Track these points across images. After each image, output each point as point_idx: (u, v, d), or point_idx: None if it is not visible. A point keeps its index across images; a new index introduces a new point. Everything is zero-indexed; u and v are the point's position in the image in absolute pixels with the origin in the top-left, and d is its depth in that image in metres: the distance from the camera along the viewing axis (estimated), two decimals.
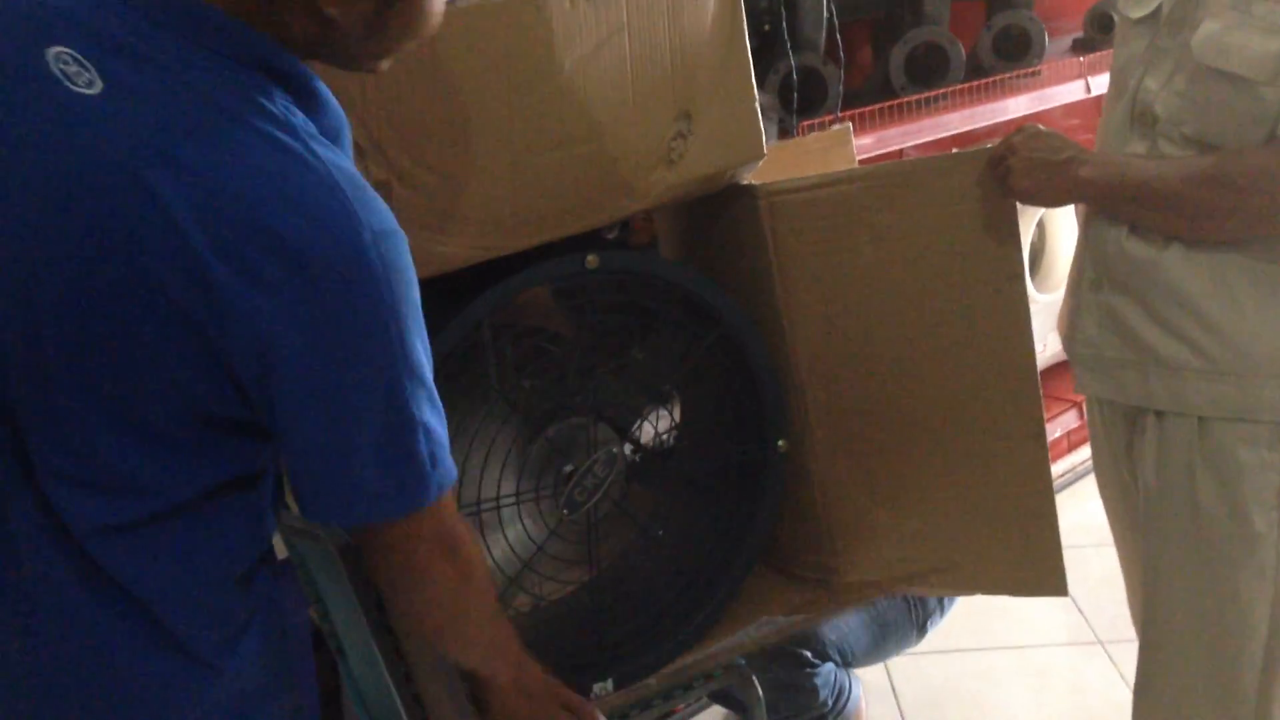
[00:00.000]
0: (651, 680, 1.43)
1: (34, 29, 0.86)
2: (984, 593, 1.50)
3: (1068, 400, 2.98)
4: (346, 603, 1.24)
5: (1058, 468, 2.99)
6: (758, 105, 1.41)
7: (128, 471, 0.90)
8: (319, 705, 1.11)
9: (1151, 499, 1.44)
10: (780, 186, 1.42)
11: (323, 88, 0.91)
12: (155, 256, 0.82)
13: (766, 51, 2.24)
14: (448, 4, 0.98)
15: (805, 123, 2.20)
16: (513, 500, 1.37)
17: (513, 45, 1.21)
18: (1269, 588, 1.38)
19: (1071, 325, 1.50)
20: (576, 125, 1.26)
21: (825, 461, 1.51)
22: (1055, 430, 2.97)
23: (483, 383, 1.33)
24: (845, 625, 1.89)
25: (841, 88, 2.28)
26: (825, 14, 2.25)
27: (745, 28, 1.38)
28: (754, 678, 1.49)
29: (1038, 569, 1.39)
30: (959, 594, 1.88)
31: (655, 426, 1.49)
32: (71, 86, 0.83)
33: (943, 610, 2.03)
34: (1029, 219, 2.71)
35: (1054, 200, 1.42)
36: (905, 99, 2.43)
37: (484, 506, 1.34)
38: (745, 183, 1.45)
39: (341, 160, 0.87)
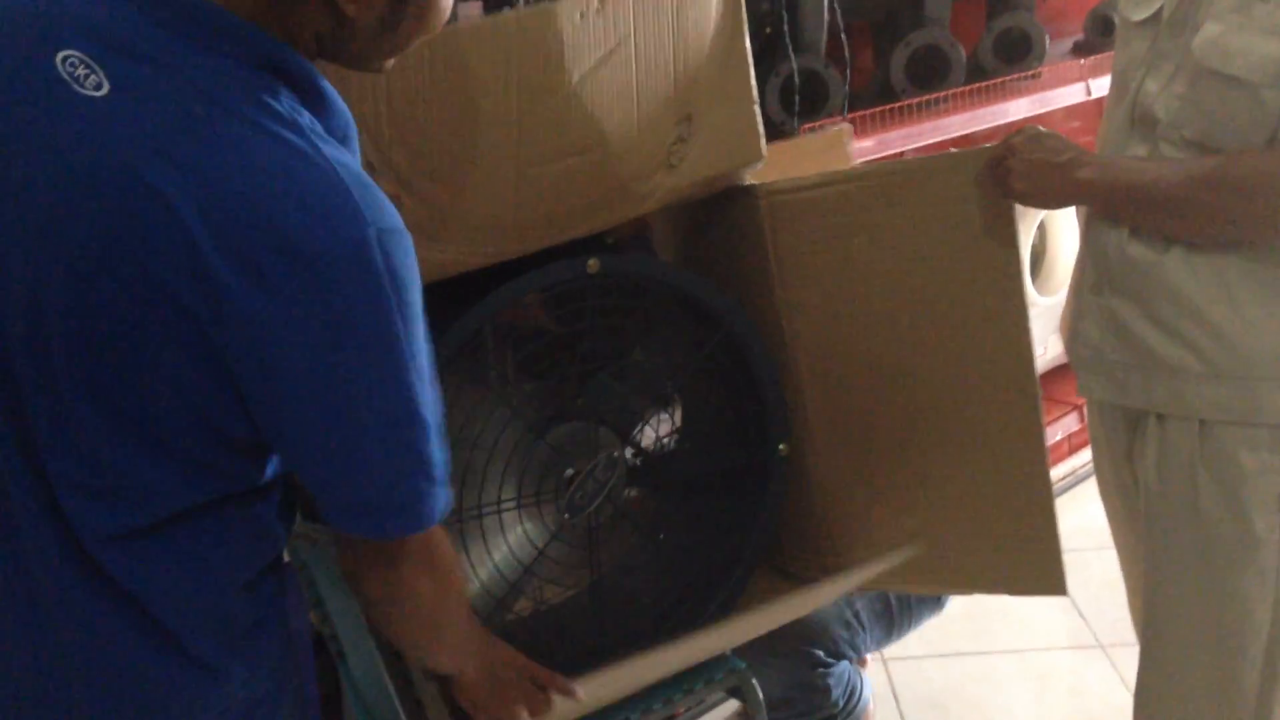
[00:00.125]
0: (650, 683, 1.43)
1: (43, 33, 0.86)
2: (983, 592, 1.50)
3: (1068, 403, 2.97)
4: (348, 606, 1.24)
5: (1058, 471, 2.99)
6: (758, 108, 1.41)
7: (133, 478, 0.90)
8: (320, 709, 1.11)
9: (1153, 502, 1.44)
10: (779, 186, 1.42)
11: (329, 88, 0.91)
12: (160, 256, 0.82)
13: (768, 54, 2.24)
14: (454, 21, 0.98)
15: (806, 126, 2.20)
16: (514, 504, 1.37)
17: (524, 59, 1.20)
18: (1270, 590, 1.38)
19: (1073, 328, 1.50)
20: (582, 135, 1.26)
21: (824, 460, 1.51)
22: (1056, 433, 2.96)
23: (483, 386, 1.32)
24: (856, 622, 1.88)
25: (848, 87, 2.27)
26: (827, 17, 2.24)
27: (746, 30, 1.38)
28: (754, 680, 1.49)
29: (1037, 568, 1.39)
30: (958, 593, 1.88)
31: (656, 430, 1.48)
32: (79, 89, 0.83)
33: None
34: (1030, 222, 2.71)
35: (1054, 202, 1.42)
36: (906, 101, 2.43)
37: (485, 510, 1.34)
38: (744, 183, 1.45)
39: (347, 159, 0.87)
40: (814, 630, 1.82)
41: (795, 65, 2.18)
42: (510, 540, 1.39)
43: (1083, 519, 2.69)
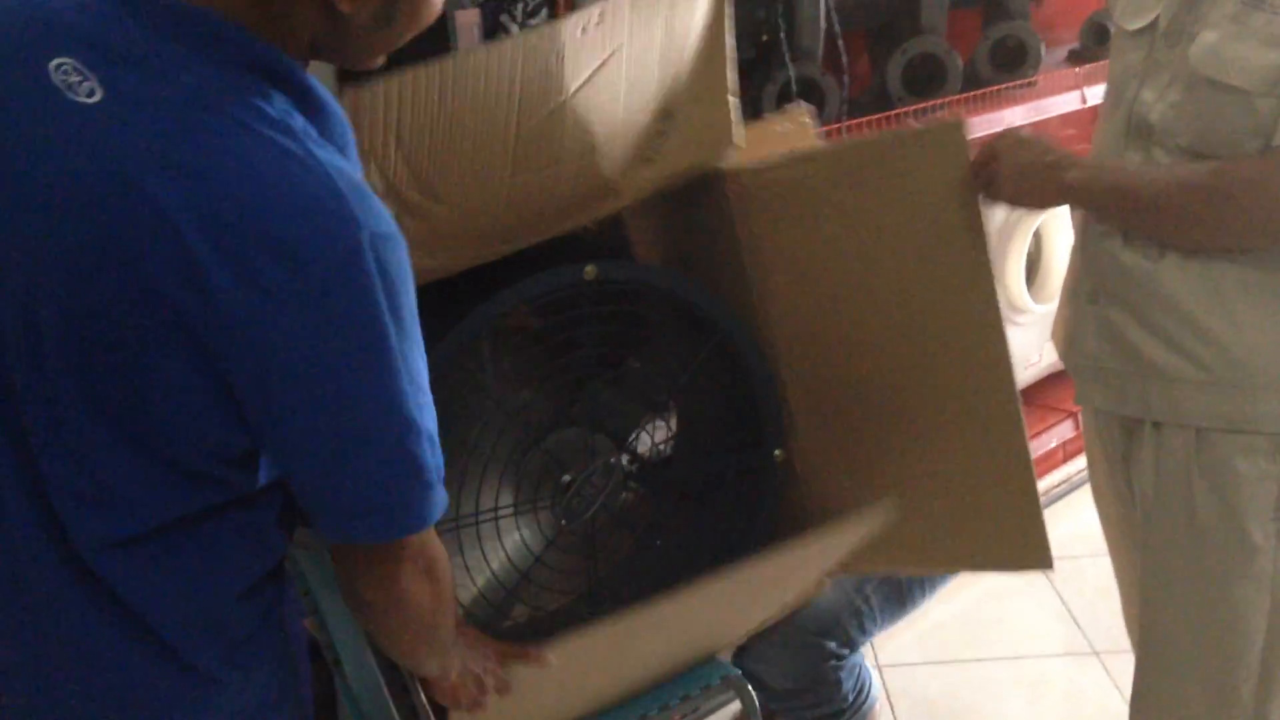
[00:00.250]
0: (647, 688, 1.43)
1: (36, 41, 0.86)
2: (970, 569, 1.49)
3: (1063, 410, 2.98)
4: (344, 613, 1.23)
5: (1054, 478, 2.99)
6: (735, 99, 1.41)
7: (128, 485, 0.89)
8: (316, 717, 1.10)
9: (1149, 510, 1.44)
10: (746, 168, 1.42)
11: (324, 92, 0.91)
12: (155, 262, 0.82)
13: (764, 62, 2.24)
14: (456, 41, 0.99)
15: None
16: (510, 511, 1.37)
17: (528, 79, 1.21)
18: (1266, 598, 1.38)
19: (1069, 337, 1.50)
20: (572, 143, 1.26)
21: (804, 444, 1.51)
22: (1051, 440, 2.97)
23: (479, 393, 1.33)
24: (866, 606, 1.87)
25: (846, 95, 2.28)
26: (824, 25, 2.25)
27: (729, 27, 1.38)
28: (748, 685, 1.49)
29: (1022, 543, 1.38)
30: (946, 572, 1.87)
31: (652, 436, 1.49)
32: (72, 97, 0.83)
33: None
34: (1026, 228, 2.72)
35: (1040, 203, 1.43)
36: (902, 109, 2.43)
37: (482, 517, 1.34)
38: (714, 170, 1.45)
39: (341, 163, 0.87)
40: (824, 622, 1.82)
41: (792, 73, 2.19)
42: (507, 547, 1.39)
43: (1077, 526, 2.69)
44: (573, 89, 1.23)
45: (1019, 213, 2.60)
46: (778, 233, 1.42)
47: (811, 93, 2.26)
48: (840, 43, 2.27)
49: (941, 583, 2.02)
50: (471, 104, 1.18)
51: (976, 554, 1.44)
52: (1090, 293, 1.45)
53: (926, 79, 2.52)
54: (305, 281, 0.82)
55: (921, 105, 2.46)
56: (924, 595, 1.96)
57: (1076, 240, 1.51)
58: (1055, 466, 3.00)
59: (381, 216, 0.86)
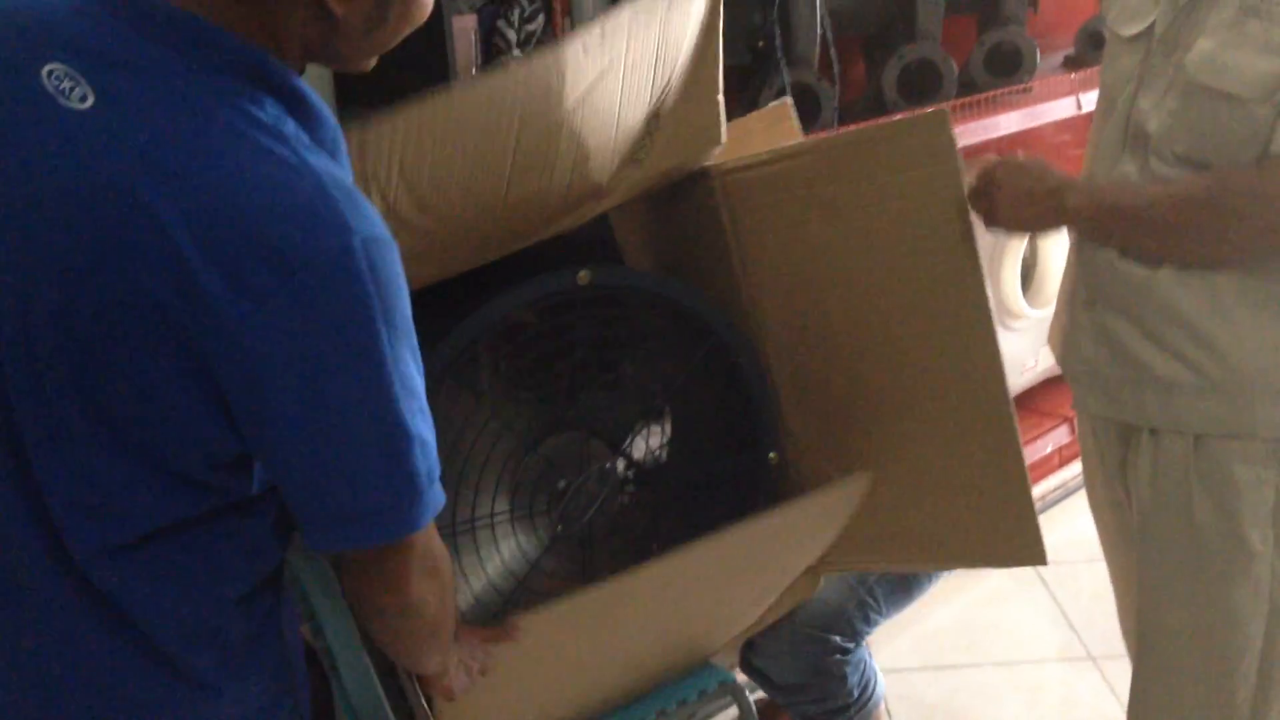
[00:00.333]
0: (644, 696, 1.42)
1: (28, 46, 0.86)
2: (966, 565, 1.48)
3: (1058, 415, 2.98)
4: (342, 621, 1.23)
5: (1050, 483, 2.99)
6: (721, 98, 1.41)
7: (122, 491, 0.89)
8: None
9: (1146, 516, 1.44)
10: (731, 165, 1.42)
11: (315, 98, 0.91)
12: (147, 268, 0.82)
13: (760, 68, 2.24)
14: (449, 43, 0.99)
15: None
16: (507, 516, 1.37)
17: (529, 99, 1.21)
18: (1264, 603, 1.38)
19: (1066, 343, 1.50)
20: (567, 153, 1.26)
21: (798, 445, 1.50)
22: (1047, 446, 2.97)
23: (475, 399, 1.33)
24: (870, 598, 1.87)
25: (837, 104, 2.28)
26: (819, 31, 2.25)
27: (720, 29, 1.38)
28: (745, 691, 1.49)
29: (1016, 539, 1.37)
30: (941, 568, 1.86)
31: (647, 441, 1.49)
32: (64, 103, 0.84)
33: None
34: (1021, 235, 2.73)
35: (1042, 228, 1.43)
36: (898, 115, 2.43)
37: (478, 523, 1.34)
38: (701, 167, 1.44)
39: (333, 168, 0.87)
40: (828, 616, 1.82)
41: (787, 79, 2.19)
42: (504, 552, 1.39)
43: (1073, 531, 2.69)
44: (570, 102, 1.23)
45: None
46: (765, 230, 1.42)
47: (807, 98, 2.26)
48: (833, 50, 2.28)
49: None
50: (474, 133, 1.18)
51: (970, 551, 1.43)
52: (1087, 299, 1.45)
53: (922, 85, 2.52)
54: (296, 286, 0.82)
55: (917, 111, 2.47)
56: (930, 580, 1.96)
57: (1072, 246, 1.51)
58: (1051, 471, 3.00)
59: (373, 221, 0.86)
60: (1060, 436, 2.98)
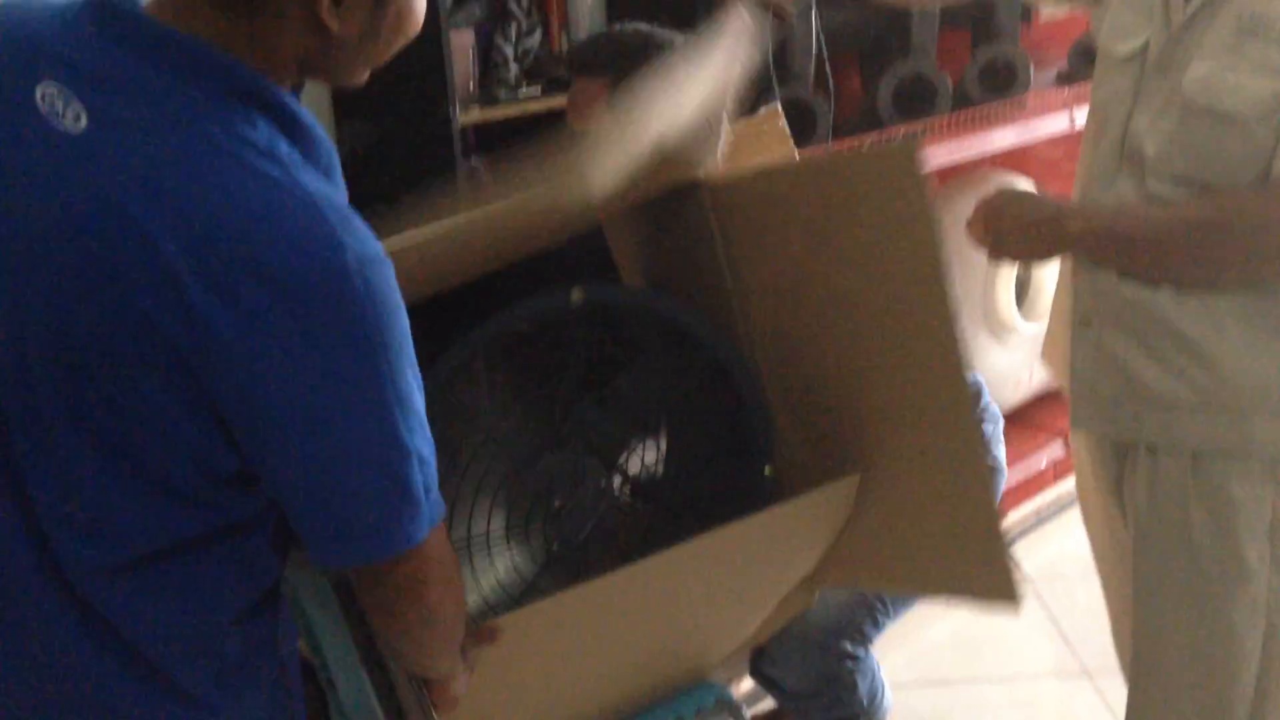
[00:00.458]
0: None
1: (22, 67, 0.86)
2: (944, 595, 1.48)
3: (1053, 430, 2.99)
4: (339, 635, 1.23)
5: (1044, 497, 3.00)
6: (725, 115, 1.41)
7: (119, 511, 0.89)
8: None
9: (1142, 533, 1.45)
10: (721, 179, 1.41)
11: (308, 117, 0.91)
12: (141, 289, 0.82)
13: (755, 85, 2.25)
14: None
15: None
16: (502, 534, 1.37)
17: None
18: (1260, 620, 1.38)
19: (1063, 361, 1.51)
20: (581, 195, 1.26)
21: (791, 460, 1.50)
22: (1041, 460, 2.98)
23: (469, 418, 1.33)
24: (878, 601, 1.87)
25: (831, 120, 2.29)
26: (815, 47, 2.26)
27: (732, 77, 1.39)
28: (743, 709, 1.48)
29: (988, 576, 1.37)
30: (919, 594, 1.87)
31: (643, 457, 1.49)
32: (58, 124, 0.84)
33: None
34: None
35: (1045, 256, 1.43)
36: (892, 129, 2.45)
37: (474, 542, 1.34)
38: (692, 179, 1.44)
39: (326, 188, 0.87)
40: (838, 622, 1.82)
41: (777, 93, 2.20)
42: (500, 571, 1.39)
43: (1068, 545, 2.70)
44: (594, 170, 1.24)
45: None
46: (752, 245, 1.42)
47: (802, 113, 2.27)
48: (827, 66, 2.28)
49: None
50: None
51: (947, 582, 1.42)
52: (1084, 316, 1.45)
53: (916, 99, 2.53)
54: (290, 306, 0.82)
55: (911, 125, 2.48)
56: None
57: (1068, 264, 1.51)
58: (1045, 486, 3.01)
59: (367, 239, 0.86)
60: (1055, 451, 2.99)
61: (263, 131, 0.86)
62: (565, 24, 2.23)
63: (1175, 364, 1.36)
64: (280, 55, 0.89)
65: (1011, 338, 2.88)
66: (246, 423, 0.86)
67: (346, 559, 0.94)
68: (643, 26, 1.72)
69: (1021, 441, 2.91)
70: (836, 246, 1.33)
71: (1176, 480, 1.39)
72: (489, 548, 1.36)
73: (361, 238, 0.85)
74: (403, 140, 2.07)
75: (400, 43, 0.96)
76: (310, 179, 0.86)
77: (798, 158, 1.65)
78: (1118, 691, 1.60)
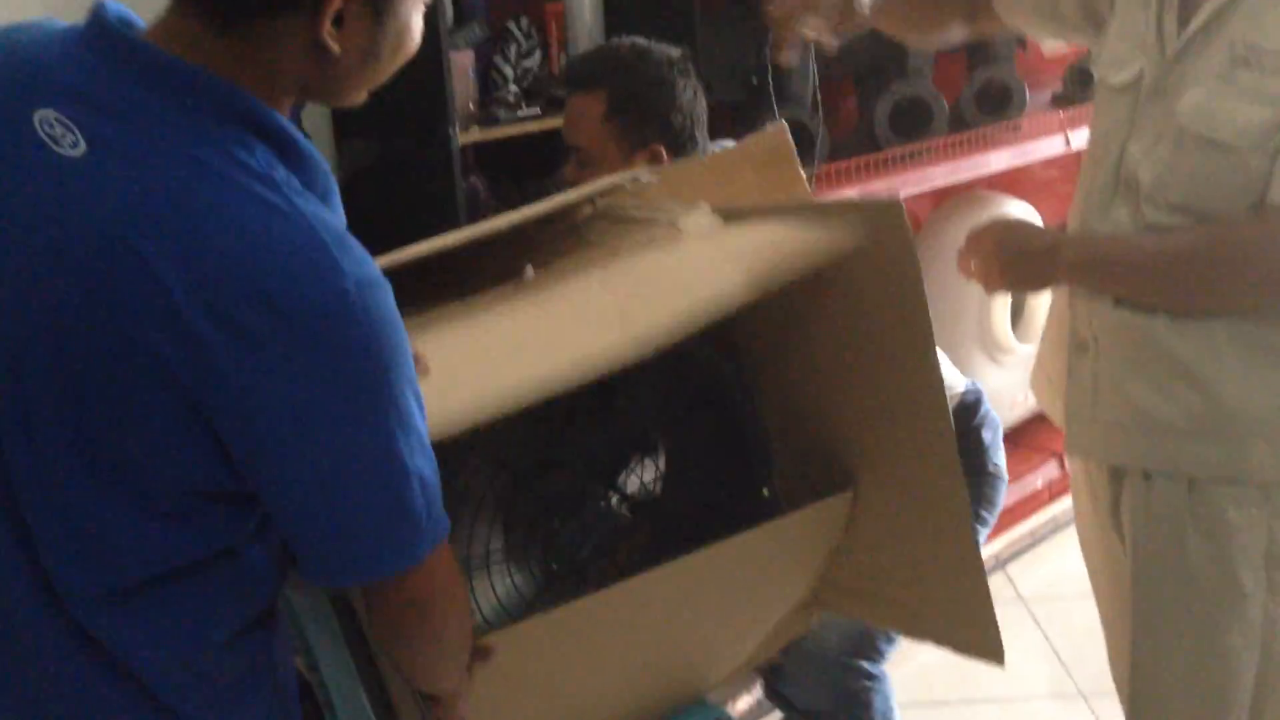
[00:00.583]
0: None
1: (21, 93, 0.86)
2: (930, 640, 1.48)
3: (1048, 450, 3.00)
4: (337, 653, 1.23)
5: (1040, 518, 3.00)
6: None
7: (117, 537, 0.89)
8: None
9: (1139, 557, 1.45)
10: (720, 210, 1.41)
11: (306, 143, 0.92)
12: (141, 317, 0.82)
13: (753, 105, 2.27)
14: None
15: None
16: (501, 555, 1.36)
17: None
18: (1255, 644, 1.39)
19: (1051, 387, 1.51)
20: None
21: (787, 484, 1.50)
22: (1036, 481, 2.98)
23: (468, 438, 1.32)
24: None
25: (818, 142, 2.30)
26: (812, 69, 2.28)
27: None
28: None
29: (974, 630, 1.37)
30: (911, 636, 1.88)
31: (641, 476, 1.49)
32: (56, 150, 0.84)
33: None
34: None
35: (1040, 287, 1.44)
36: (889, 152, 2.46)
37: (474, 564, 1.34)
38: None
39: (324, 213, 0.87)
40: (854, 640, 1.82)
41: (776, 115, 2.21)
42: (498, 592, 1.39)
43: (1064, 566, 2.70)
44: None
45: None
46: None
47: (800, 136, 2.28)
48: (817, 91, 2.29)
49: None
50: None
51: (934, 629, 1.43)
52: (1080, 342, 1.46)
53: (913, 121, 2.55)
54: (288, 331, 0.82)
55: (908, 148, 2.50)
56: None
57: (1063, 290, 1.52)
58: (1041, 506, 3.01)
59: (365, 263, 0.86)
60: (1050, 471, 3.00)
61: (260, 157, 0.86)
62: (564, 44, 2.24)
63: (1172, 390, 1.36)
64: (280, 78, 0.90)
65: (1007, 358, 2.89)
66: (245, 445, 0.86)
67: (348, 578, 0.95)
68: (639, 41, 1.72)
69: (1017, 462, 2.92)
70: (820, 293, 1.33)
71: (1172, 505, 1.39)
72: (488, 568, 1.36)
73: (359, 261, 0.86)
74: (402, 160, 2.08)
75: (399, 63, 0.96)
76: (307, 204, 0.86)
77: (803, 174, 1.65)
78: (1114, 714, 1.60)
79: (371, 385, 0.86)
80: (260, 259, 0.82)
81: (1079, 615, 2.45)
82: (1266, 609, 1.38)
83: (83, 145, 0.84)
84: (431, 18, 0.98)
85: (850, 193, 2.31)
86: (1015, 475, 2.88)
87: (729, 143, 1.87)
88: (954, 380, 1.79)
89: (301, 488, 0.88)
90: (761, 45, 2.23)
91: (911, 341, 1.24)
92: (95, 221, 0.82)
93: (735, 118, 2.27)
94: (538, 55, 2.21)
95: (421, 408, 0.91)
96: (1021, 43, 2.74)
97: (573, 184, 1.70)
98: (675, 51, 1.70)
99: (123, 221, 0.82)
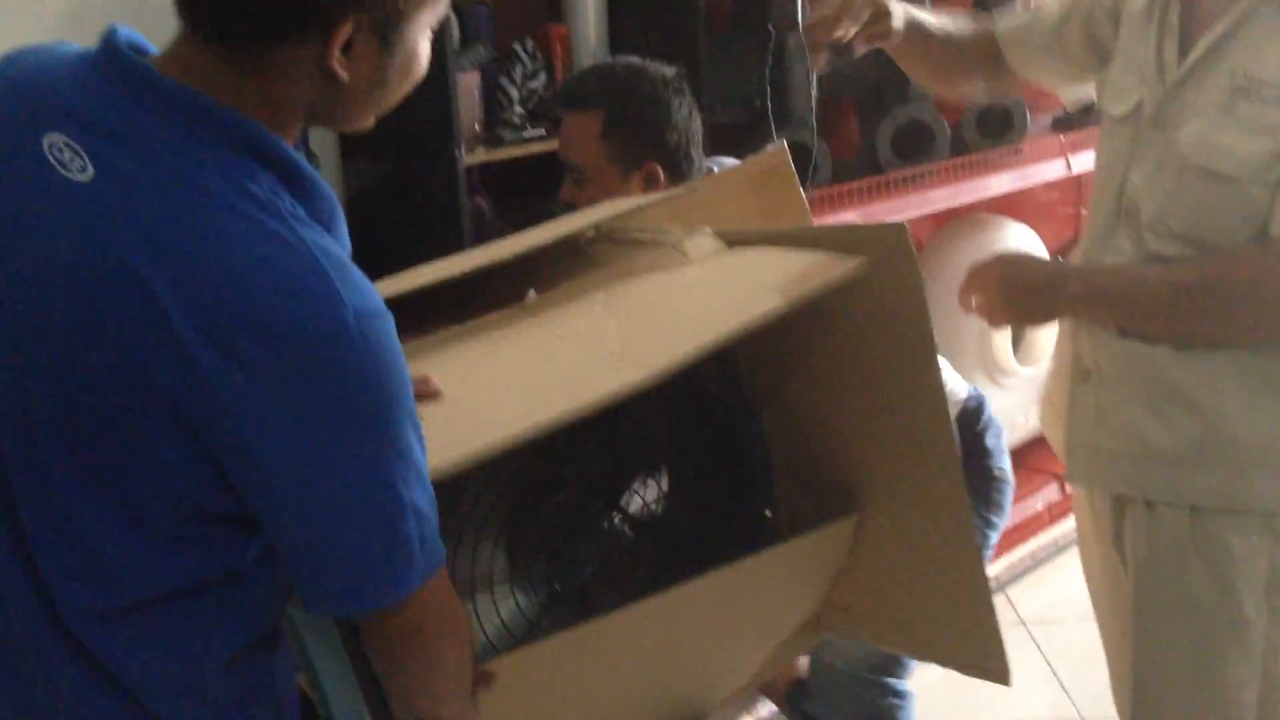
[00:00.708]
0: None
1: (31, 117, 0.87)
2: (935, 662, 1.49)
3: (1048, 473, 2.99)
4: (340, 671, 1.22)
5: (1040, 540, 3.00)
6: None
7: (118, 558, 0.90)
8: None
9: (1141, 584, 1.45)
10: (724, 233, 1.42)
11: (311, 171, 0.92)
12: (141, 341, 0.83)
13: (756, 128, 2.28)
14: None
15: None
16: (505, 576, 1.37)
17: None
18: (1257, 671, 1.39)
19: (1058, 415, 1.51)
20: None
21: (789, 506, 1.50)
22: (1037, 503, 2.98)
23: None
24: None
25: (812, 162, 2.31)
26: (814, 92, 2.29)
27: None
28: None
29: (979, 650, 1.37)
30: (914, 657, 1.88)
31: (644, 496, 1.49)
32: (64, 173, 0.85)
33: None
34: None
35: (1045, 320, 1.44)
36: (891, 175, 2.47)
37: (477, 584, 1.34)
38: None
39: (327, 242, 0.87)
40: (882, 658, 1.81)
41: (774, 137, 2.22)
42: (502, 614, 1.39)
43: (1065, 589, 2.70)
44: None
45: None
46: None
47: (802, 158, 2.30)
48: (813, 112, 2.30)
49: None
50: None
51: (939, 650, 1.43)
52: (1083, 372, 1.46)
53: (914, 145, 2.56)
54: (288, 360, 0.83)
55: (910, 171, 2.51)
56: None
57: (1066, 322, 1.52)
58: (1041, 528, 3.01)
59: (367, 294, 0.87)
60: (1050, 494, 2.99)
61: (265, 185, 0.87)
62: (569, 66, 2.26)
63: (1174, 419, 1.36)
64: (288, 105, 0.90)
65: (1008, 380, 2.89)
66: (243, 472, 0.87)
67: (339, 608, 0.95)
68: (633, 60, 1.72)
69: (1017, 484, 2.90)
70: (826, 318, 1.34)
71: (1175, 533, 1.39)
72: (491, 589, 1.36)
73: (360, 291, 0.86)
74: (408, 180, 2.09)
75: (407, 89, 0.97)
76: (310, 232, 0.86)
77: (803, 196, 1.65)
78: None
79: (368, 415, 0.86)
80: (260, 287, 0.82)
81: (1080, 638, 2.45)
82: (1268, 636, 1.38)
83: (90, 170, 0.85)
84: (438, 39, 0.99)
85: (852, 216, 2.32)
86: (1016, 498, 2.86)
87: (731, 160, 1.89)
88: (956, 387, 1.79)
89: (294, 516, 0.88)
90: (764, 67, 2.25)
91: (915, 363, 1.24)
92: (100, 245, 0.83)
93: (738, 140, 2.29)
94: (543, 76, 2.22)
95: (420, 439, 0.91)
96: None
97: (569, 202, 1.71)
98: (670, 70, 1.71)
99: (126, 246, 0.83)
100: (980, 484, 1.78)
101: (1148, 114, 1.37)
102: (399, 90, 0.96)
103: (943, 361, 1.28)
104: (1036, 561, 2.96)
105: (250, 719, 1.01)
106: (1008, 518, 1.88)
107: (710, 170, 1.79)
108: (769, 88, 2.26)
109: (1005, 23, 1.63)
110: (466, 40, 2.14)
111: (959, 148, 2.66)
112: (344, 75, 0.89)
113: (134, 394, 0.84)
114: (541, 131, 2.14)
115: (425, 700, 1.05)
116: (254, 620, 0.99)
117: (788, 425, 1.47)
